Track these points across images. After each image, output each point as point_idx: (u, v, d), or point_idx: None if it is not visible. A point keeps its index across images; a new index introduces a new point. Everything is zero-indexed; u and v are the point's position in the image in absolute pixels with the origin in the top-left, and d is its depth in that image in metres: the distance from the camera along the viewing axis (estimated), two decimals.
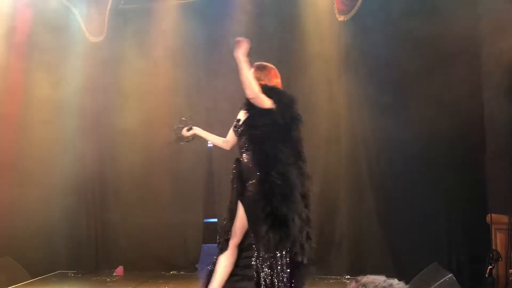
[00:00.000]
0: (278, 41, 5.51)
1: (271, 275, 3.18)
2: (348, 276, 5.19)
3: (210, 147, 5.95)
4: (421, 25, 4.87)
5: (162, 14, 5.63)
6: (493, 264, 3.95)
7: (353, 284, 1.16)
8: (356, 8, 5.14)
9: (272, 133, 3.23)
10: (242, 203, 3.35)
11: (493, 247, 4.08)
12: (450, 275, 4.01)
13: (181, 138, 3.69)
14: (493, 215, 4.14)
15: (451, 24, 4.67)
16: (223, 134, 5.79)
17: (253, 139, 3.31)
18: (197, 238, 5.76)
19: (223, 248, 3.46)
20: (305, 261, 3.21)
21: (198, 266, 5.75)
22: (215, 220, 5.94)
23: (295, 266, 3.22)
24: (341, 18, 5.23)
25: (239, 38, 3.23)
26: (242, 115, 3.49)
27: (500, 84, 4.24)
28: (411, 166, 5.00)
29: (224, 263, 3.42)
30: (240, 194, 3.38)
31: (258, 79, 3.39)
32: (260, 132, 3.24)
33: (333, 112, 5.40)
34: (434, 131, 4.83)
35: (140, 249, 5.68)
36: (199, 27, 5.63)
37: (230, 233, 3.42)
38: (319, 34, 5.35)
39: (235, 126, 3.57)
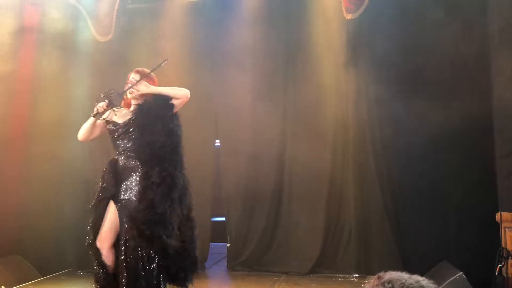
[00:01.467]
0: (286, 39, 5.50)
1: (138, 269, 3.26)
2: (357, 275, 5.18)
3: (217, 146, 5.95)
4: (429, 22, 4.84)
5: (169, 13, 5.63)
6: (503, 263, 3.93)
7: (375, 281, 1.13)
8: (363, 6, 5.13)
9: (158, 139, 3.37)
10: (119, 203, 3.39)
11: (503, 245, 4.05)
12: (460, 273, 3.99)
13: (98, 114, 3.57)
14: (503, 213, 4.11)
15: (459, 19, 4.64)
16: (229, 136, 5.78)
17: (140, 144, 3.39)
18: (205, 237, 5.74)
19: None
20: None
21: (206, 264, 5.76)
22: (223, 218, 5.94)
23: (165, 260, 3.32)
24: (348, 16, 5.21)
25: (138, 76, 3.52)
26: (120, 118, 3.55)
27: None
28: (420, 164, 4.98)
29: None
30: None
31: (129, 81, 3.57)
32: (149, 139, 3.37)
33: (341, 111, 5.38)
34: (443, 128, 4.79)
35: None
36: (206, 26, 5.63)
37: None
38: (326, 32, 5.34)
39: (114, 126, 3.55)
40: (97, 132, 3.63)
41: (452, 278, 3.97)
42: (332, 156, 5.39)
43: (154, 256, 3.30)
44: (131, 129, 3.47)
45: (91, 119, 3.56)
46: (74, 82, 5.72)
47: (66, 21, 5.67)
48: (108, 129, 3.59)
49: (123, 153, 3.48)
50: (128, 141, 3.48)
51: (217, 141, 5.94)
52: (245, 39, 5.47)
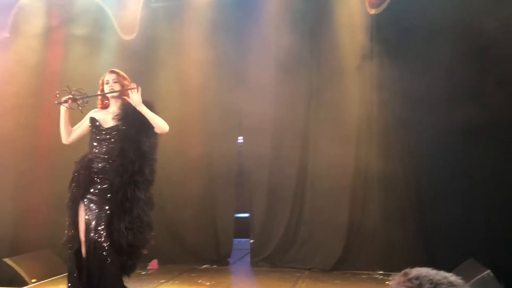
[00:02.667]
0: (309, 34, 5.48)
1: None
2: (381, 272, 5.14)
3: (240, 143, 5.98)
4: (453, 15, 4.75)
5: (193, 11, 5.66)
6: None
7: (402, 277, 1.12)
8: (387, 1, 5.08)
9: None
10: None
11: None
12: (488, 271, 3.92)
13: (60, 102, 3.71)
14: None
15: (484, 12, 4.54)
16: (252, 133, 5.78)
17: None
18: (228, 233, 5.80)
19: None
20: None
21: (230, 260, 5.80)
22: (247, 215, 5.98)
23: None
24: (372, 11, 5.17)
25: (134, 84, 3.60)
26: (104, 121, 3.68)
27: None
28: (447, 160, 4.92)
29: None
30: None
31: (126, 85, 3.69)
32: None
33: (364, 106, 5.33)
34: (471, 124, 4.71)
35: (173, 243, 5.77)
36: (230, 23, 5.64)
37: None
38: (350, 27, 5.29)
39: (101, 133, 3.66)
40: (78, 133, 3.80)
41: (480, 276, 3.91)
42: (356, 152, 5.35)
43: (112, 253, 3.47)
44: (112, 139, 3.61)
45: (63, 116, 3.72)
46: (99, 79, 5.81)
47: (91, 20, 5.77)
48: (91, 129, 3.70)
49: (100, 157, 3.62)
50: (107, 147, 3.62)
51: (240, 137, 5.97)
52: (268, 35, 5.47)
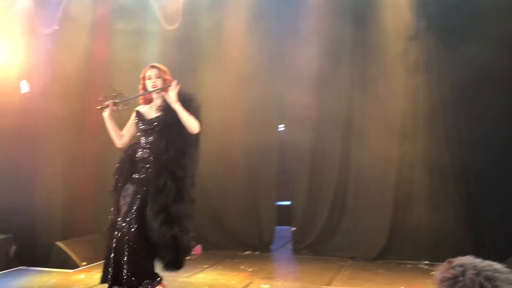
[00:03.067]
0: (353, 16, 5.36)
1: None
2: (426, 262, 5.04)
3: (281, 130, 5.97)
4: (500, 5, 4.53)
5: (235, 2, 5.65)
6: None
7: (446, 266, 1.10)
8: None
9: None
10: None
11: None
12: None
13: (102, 106, 3.75)
14: None
15: None
16: (294, 120, 5.76)
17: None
18: (270, 220, 5.84)
19: None
20: None
21: (272, 247, 5.84)
22: (288, 203, 5.98)
23: None
24: None
25: (174, 82, 3.60)
26: (147, 114, 3.73)
27: None
28: (496, 148, 4.72)
29: None
30: None
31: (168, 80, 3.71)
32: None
33: (410, 91, 5.19)
34: None
35: (217, 229, 5.86)
36: (273, 10, 5.60)
37: None
38: (396, 8, 5.14)
39: (145, 124, 3.70)
40: (129, 133, 3.84)
41: None
42: (401, 140, 5.24)
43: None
44: (154, 130, 3.66)
45: (108, 127, 3.78)
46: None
47: (135, 11, 5.89)
48: (137, 121, 3.77)
49: (142, 147, 3.68)
50: (149, 137, 3.68)
51: (281, 125, 5.96)
52: (312, 22, 5.40)
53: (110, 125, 3.78)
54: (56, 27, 5.87)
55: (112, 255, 3.55)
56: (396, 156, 5.24)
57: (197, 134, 3.64)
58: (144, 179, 3.60)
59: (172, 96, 3.60)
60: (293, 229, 5.79)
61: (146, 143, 3.69)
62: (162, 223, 3.46)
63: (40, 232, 5.58)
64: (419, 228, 5.18)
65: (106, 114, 3.74)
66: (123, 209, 3.61)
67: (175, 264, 3.57)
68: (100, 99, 3.79)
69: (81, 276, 4.73)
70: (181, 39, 5.78)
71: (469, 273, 1.04)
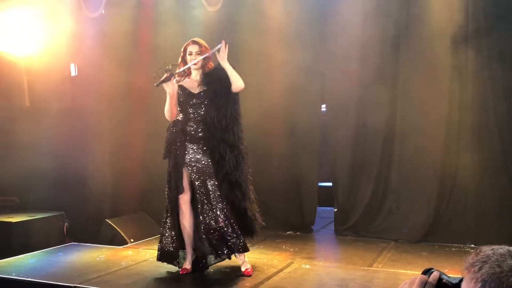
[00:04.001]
0: (399, 6, 5.22)
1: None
2: (472, 245, 4.92)
3: (323, 111, 5.92)
4: None
5: None
6: None
7: (473, 253, 1.08)
8: None
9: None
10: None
11: None
12: None
13: (159, 80, 3.83)
14: None
15: None
16: (336, 100, 5.71)
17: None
18: (312, 201, 5.84)
19: None
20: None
21: (314, 227, 5.86)
22: (330, 184, 5.96)
23: None
24: None
25: (223, 42, 3.79)
26: (191, 88, 3.89)
27: None
28: None
29: None
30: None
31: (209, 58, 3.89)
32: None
33: (458, 70, 5.01)
34: None
35: (259, 209, 5.92)
36: None
37: None
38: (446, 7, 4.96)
39: (193, 98, 3.87)
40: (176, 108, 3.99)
41: None
42: (447, 118, 5.09)
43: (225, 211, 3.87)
44: (202, 104, 3.85)
45: (169, 99, 3.90)
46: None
47: None
48: (181, 97, 3.91)
49: (192, 120, 3.87)
50: (200, 110, 3.86)
51: (323, 105, 5.91)
52: (355, 4, 5.29)
53: (172, 101, 3.91)
54: (102, 11, 6.02)
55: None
56: (441, 134, 5.10)
57: (239, 103, 3.87)
58: (202, 150, 3.85)
59: (222, 54, 3.80)
60: (335, 210, 5.78)
61: (196, 116, 3.86)
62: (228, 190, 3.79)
63: (90, 210, 5.84)
64: (465, 211, 5.05)
65: (170, 89, 3.86)
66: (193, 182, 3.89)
67: (246, 231, 3.95)
68: (154, 76, 3.89)
69: (129, 252, 4.93)
70: (223, 20, 5.79)
71: (491, 261, 1.01)
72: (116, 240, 5.35)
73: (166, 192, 4.08)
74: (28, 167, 5.92)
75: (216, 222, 3.88)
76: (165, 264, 4.15)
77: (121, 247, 5.14)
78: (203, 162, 3.88)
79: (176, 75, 3.90)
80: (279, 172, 5.83)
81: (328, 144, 5.82)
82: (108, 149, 6.03)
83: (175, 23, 5.93)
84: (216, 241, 3.90)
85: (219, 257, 4.00)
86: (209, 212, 3.89)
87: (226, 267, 4.21)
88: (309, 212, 5.84)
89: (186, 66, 3.94)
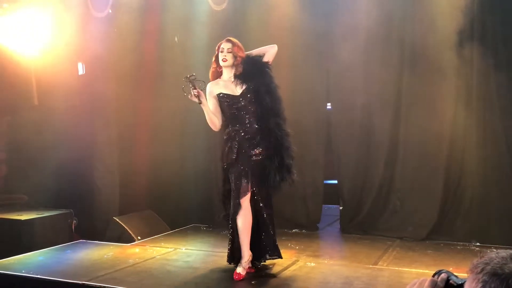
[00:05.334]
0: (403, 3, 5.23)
1: None
2: (478, 243, 4.92)
3: (329, 109, 5.93)
4: None
5: None
6: None
7: (477, 258, 1.10)
8: None
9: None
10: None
11: None
12: None
13: (188, 89, 3.83)
14: None
15: None
16: (341, 99, 5.69)
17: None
18: (318, 199, 5.86)
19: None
20: None
21: (319, 225, 5.88)
22: (335, 181, 5.98)
23: None
24: None
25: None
26: (235, 90, 3.89)
27: None
28: None
29: None
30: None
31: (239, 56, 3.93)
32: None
33: (464, 69, 5.01)
34: None
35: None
36: None
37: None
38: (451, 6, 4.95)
39: (235, 100, 3.89)
40: (218, 115, 3.99)
41: None
42: (452, 117, 5.09)
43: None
44: (252, 98, 3.86)
45: (205, 110, 3.89)
46: (192, 50, 6.04)
47: None
48: (226, 102, 3.89)
49: (248, 124, 3.90)
50: (251, 108, 3.88)
51: (329, 104, 5.92)
52: (360, 3, 5.30)
53: (209, 109, 3.90)
54: (110, 11, 6.07)
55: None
56: (447, 133, 5.11)
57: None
58: (258, 145, 3.90)
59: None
60: (341, 208, 5.79)
61: (249, 117, 3.89)
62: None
63: (98, 208, 5.90)
64: (470, 209, 5.06)
65: (204, 100, 3.85)
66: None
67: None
68: (182, 86, 3.87)
69: (136, 250, 4.98)
70: (228, 19, 5.82)
71: (493, 263, 1.03)
72: (124, 238, 5.40)
73: (224, 198, 4.15)
74: (37, 165, 6.00)
75: (266, 224, 4.02)
76: (172, 261, 4.20)
77: (129, 244, 5.20)
78: (260, 164, 3.91)
79: (200, 83, 3.88)
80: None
81: (334, 142, 5.83)
82: (116, 148, 6.09)
83: (181, 22, 5.97)
84: (266, 241, 4.04)
85: (271, 256, 4.12)
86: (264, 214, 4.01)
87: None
88: (315, 210, 5.86)
89: (198, 86, 3.87)
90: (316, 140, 5.77)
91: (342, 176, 5.72)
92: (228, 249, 4.09)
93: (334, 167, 5.89)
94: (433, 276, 1.13)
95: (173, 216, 6.02)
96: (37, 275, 4.03)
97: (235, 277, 3.87)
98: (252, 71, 3.90)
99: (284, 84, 5.70)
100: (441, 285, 1.10)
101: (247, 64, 3.92)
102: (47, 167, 5.93)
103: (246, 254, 3.91)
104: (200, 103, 3.83)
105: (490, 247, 4.77)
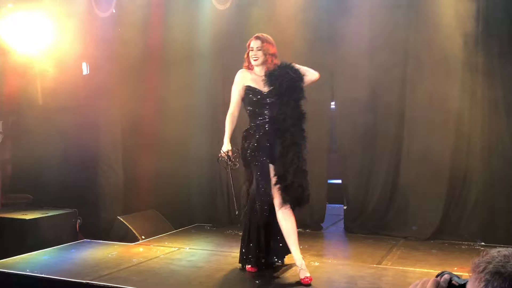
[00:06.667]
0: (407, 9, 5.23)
1: None
2: (483, 243, 4.91)
3: (332, 108, 5.92)
4: None
5: None
6: None
7: (479, 257, 1.10)
8: None
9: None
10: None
11: None
12: None
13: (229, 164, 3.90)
14: None
15: None
16: (345, 98, 5.67)
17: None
18: (321, 198, 5.85)
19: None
20: None
21: (323, 225, 5.87)
22: (339, 181, 5.97)
23: None
24: None
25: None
26: (263, 87, 3.85)
27: None
28: None
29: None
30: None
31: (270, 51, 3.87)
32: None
33: (468, 66, 4.99)
34: None
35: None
36: None
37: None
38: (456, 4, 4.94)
39: (262, 96, 3.85)
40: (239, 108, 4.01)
41: None
42: (457, 116, 5.06)
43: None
44: (277, 99, 3.80)
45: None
46: (196, 50, 6.05)
47: None
48: (253, 97, 3.88)
49: (268, 120, 3.85)
50: (274, 109, 3.83)
51: (333, 103, 5.91)
52: (364, 3, 5.29)
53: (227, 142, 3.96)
54: (113, 11, 6.08)
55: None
56: (451, 132, 5.09)
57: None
58: (282, 144, 3.80)
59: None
60: (345, 207, 5.78)
61: (272, 114, 3.84)
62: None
63: (102, 207, 5.92)
64: (475, 208, 5.03)
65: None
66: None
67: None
68: (218, 159, 3.96)
69: (140, 249, 4.99)
70: (232, 19, 5.82)
71: (495, 262, 1.03)
72: (128, 237, 5.42)
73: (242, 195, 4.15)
74: (41, 165, 6.02)
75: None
76: (176, 261, 4.20)
77: (133, 244, 5.21)
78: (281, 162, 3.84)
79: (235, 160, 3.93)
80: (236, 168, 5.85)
81: (338, 141, 5.82)
82: (120, 147, 6.11)
83: (185, 22, 5.98)
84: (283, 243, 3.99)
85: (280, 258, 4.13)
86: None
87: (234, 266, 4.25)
88: (319, 210, 5.85)
89: (230, 162, 3.90)
90: (320, 139, 5.75)
91: (346, 175, 5.71)
92: (241, 249, 4.07)
93: (338, 166, 5.88)
94: (436, 277, 1.13)
95: (177, 215, 6.03)
96: (42, 274, 4.04)
97: (306, 281, 3.73)
98: (283, 74, 3.82)
99: None
100: (444, 285, 1.10)
101: (282, 68, 3.87)
102: (52, 167, 5.96)
103: (297, 257, 3.84)
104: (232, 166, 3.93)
105: (495, 247, 4.73)
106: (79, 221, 5.67)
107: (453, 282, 1.10)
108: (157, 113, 6.15)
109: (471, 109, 5.03)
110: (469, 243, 4.95)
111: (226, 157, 3.86)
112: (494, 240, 4.80)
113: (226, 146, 3.89)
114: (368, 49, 5.33)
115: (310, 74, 3.90)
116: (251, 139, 3.88)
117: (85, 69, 6.40)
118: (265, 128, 3.87)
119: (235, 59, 6.02)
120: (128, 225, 5.51)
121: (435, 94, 5.12)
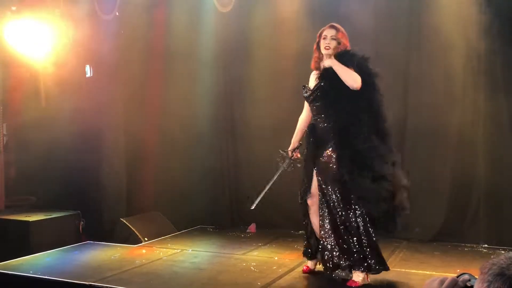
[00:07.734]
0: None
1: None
2: (486, 245, 4.89)
3: None
4: None
5: None
6: None
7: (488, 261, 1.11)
8: None
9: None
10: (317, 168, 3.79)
11: None
12: None
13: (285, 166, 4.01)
14: None
15: None
16: None
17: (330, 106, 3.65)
18: None
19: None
20: None
21: None
22: None
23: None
24: None
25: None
26: (312, 81, 3.77)
27: None
28: None
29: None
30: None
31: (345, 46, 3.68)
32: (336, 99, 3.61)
33: (471, 67, 4.99)
34: None
35: (271, 208, 5.95)
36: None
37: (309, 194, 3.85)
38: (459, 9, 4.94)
39: (308, 92, 3.78)
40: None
41: None
42: (460, 118, 5.05)
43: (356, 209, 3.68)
44: (319, 94, 3.70)
45: None
46: (199, 52, 6.06)
47: None
48: (304, 94, 3.88)
49: (317, 116, 3.80)
50: (316, 106, 3.77)
51: None
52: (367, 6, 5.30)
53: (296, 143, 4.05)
54: (117, 13, 6.10)
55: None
56: (454, 131, 5.08)
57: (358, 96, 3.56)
58: (326, 146, 3.72)
59: (329, 62, 3.64)
60: None
61: (316, 113, 3.80)
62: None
63: (106, 209, 5.93)
64: (478, 210, 5.02)
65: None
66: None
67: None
68: (278, 160, 4.10)
69: (143, 251, 5.00)
70: (234, 21, 5.83)
71: (500, 263, 1.04)
72: (131, 239, 5.42)
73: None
74: (44, 167, 6.04)
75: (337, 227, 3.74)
76: (178, 263, 4.21)
77: (136, 246, 5.22)
78: (327, 164, 3.72)
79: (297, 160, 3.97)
80: (292, 172, 5.85)
81: None
82: (123, 149, 6.12)
83: (187, 24, 5.99)
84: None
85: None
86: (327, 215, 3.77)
87: (237, 266, 4.25)
88: None
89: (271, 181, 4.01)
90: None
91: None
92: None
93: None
94: (457, 277, 1.15)
95: (180, 217, 6.03)
96: (45, 276, 4.06)
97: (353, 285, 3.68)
98: (335, 76, 3.63)
99: (289, 83, 5.73)
100: (462, 284, 1.12)
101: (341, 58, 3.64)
102: (55, 169, 5.97)
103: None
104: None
105: (498, 249, 4.75)
106: (82, 223, 5.68)
107: (467, 284, 1.12)
108: (161, 115, 6.17)
109: (474, 112, 5.01)
110: (472, 245, 4.95)
111: (285, 154, 3.96)
112: (497, 242, 4.79)
113: (291, 146, 4.02)
114: (371, 51, 5.30)
115: (348, 80, 3.57)
116: (307, 138, 3.94)
117: (88, 72, 6.42)
118: (319, 126, 3.81)
119: (238, 61, 6.07)
120: (131, 227, 5.52)
121: (438, 98, 5.11)
